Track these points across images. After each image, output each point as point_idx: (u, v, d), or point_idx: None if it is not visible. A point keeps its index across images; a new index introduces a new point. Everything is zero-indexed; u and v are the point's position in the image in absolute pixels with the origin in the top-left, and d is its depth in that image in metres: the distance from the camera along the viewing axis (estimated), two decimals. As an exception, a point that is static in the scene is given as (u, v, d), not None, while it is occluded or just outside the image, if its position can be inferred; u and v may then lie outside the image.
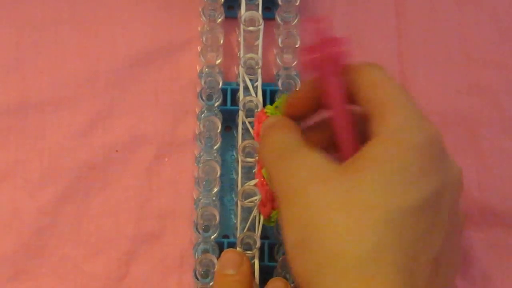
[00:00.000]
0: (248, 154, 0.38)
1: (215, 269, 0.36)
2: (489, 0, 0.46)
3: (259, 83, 0.40)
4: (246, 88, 0.40)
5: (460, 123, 0.43)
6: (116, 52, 0.44)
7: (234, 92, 0.41)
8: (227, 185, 0.41)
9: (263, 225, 0.37)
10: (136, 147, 0.43)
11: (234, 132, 0.42)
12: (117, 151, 0.43)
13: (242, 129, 0.40)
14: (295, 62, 0.41)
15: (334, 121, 0.31)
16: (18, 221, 0.41)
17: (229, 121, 0.42)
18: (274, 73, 0.42)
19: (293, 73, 0.41)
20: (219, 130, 0.39)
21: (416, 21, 0.45)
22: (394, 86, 0.30)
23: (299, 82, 0.41)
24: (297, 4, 0.42)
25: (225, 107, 0.41)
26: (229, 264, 0.35)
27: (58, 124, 0.43)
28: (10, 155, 0.42)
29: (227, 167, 0.42)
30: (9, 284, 0.40)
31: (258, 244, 0.37)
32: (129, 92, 0.44)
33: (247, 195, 0.37)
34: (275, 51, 0.42)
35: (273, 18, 0.43)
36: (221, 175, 0.41)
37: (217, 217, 0.38)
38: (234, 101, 0.41)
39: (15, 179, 0.42)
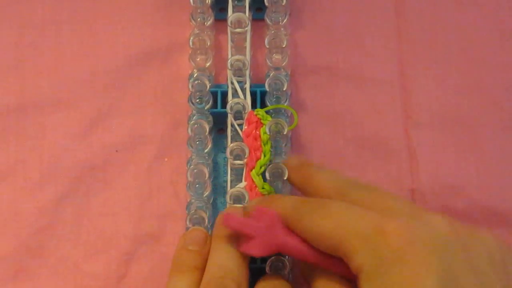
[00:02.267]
0: (236, 157, 0.38)
1: (177, 245, 0.36)
2: (489, 0, 0.46)
3: (247, 85, 0.40)
4: (236, 90, 0.40)
5: (460, 123, 0.43)
6: (115, 52, 0.44)
7: (225, 94, 0.41)
8: (220, 187, 0.41)
9: None
10: (136, 147, 0.43)
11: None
12: (117, 151, 0.43)
13: (232, 131, 0.40)
14: (284, 63, 0.41)
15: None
16: (18, 221, 0.41)
17: (221, 124, 0.41)
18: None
19: (282, 73, 0.41)
20: (207, 133, 0.39)
21: (416, 21, 0.45)
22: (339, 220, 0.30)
23: (287, 83, 0.40)
24: (284, 4, 0.42)
25: (216, 110, 0.41)
26: (193, 242, 0.35)
27: (58, 124, 0.43)
28: (10, 155, 0.43)
29: (220, 170, 0.42)
30: (9, 284, 0.40)
31: None
32: (128, 92, 0.44)
33: (236, 197, 0.37)
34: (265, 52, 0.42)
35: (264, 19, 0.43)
36: (214, 177, 0.41)
37: (206, 220, 0.38)
38: (225, 104, 0.41)
39: (15, 179, 0.42)
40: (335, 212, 0.30)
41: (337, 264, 0.30)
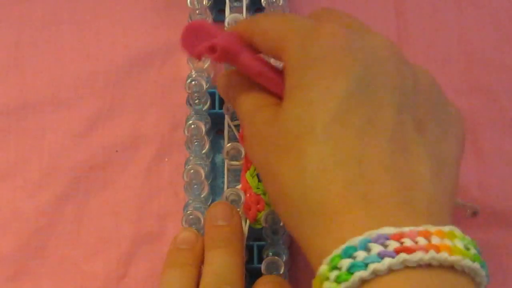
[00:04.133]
0: (233, 157, 0.38)
1: (205, 220, 0.36)
2: (489, 0, 0.46)
3: None
4: None
5: (460, 123, 0.43)
6: (116, 52, 0.44)
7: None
8: (219, 189, 0.41)
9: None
10: (136, 147, 0.43)
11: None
12: (117, 151, 0.43)
13: (229, 132, 0.40)
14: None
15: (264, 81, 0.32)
16: (18, 221, 0.41)
17: (220, 125, 0.41)
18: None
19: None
20: (203, 134, 0.39)
21: (416, 21, 0.45)
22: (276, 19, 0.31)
23: None
24: (281, 4, 0.42)
25: (214, 110, 0.41)
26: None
27: (57, 124, 0.43)
28: (10, 155, 0.43)
29: (219, 171, 0.41)
30: (9, 284, 0.40)
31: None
32: (129, 92, 0.44)
33: (231, 198, 0.37)
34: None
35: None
36: (213, 179, 0.41)
37: (202, 221, 0.38)
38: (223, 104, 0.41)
39: (15, 179, 0.42)
40: (281, 15, 0.32)
41: (276, 81, 0.32)
